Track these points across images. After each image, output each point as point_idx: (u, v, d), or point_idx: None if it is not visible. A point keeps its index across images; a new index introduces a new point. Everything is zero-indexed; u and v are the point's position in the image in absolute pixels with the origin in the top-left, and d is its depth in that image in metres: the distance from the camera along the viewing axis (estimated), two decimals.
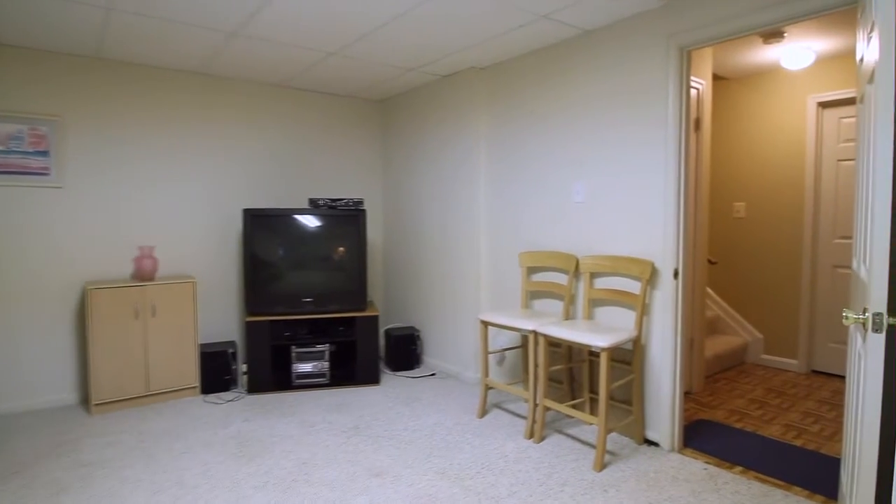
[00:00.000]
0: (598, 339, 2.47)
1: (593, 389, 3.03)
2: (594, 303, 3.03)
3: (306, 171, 4.39)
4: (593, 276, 3.02)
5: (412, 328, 4.31)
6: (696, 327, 3.62)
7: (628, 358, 2.87)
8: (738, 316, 4.45)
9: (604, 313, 2.99)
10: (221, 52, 3.35)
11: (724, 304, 4.53)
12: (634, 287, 2.82)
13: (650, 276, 2.71)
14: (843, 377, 3.93)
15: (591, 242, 3.05)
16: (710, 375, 4.01)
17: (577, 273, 3.12)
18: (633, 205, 2.83)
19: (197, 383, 3.62)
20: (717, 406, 3.39)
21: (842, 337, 3.92)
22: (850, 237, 3.86)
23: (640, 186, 2.80)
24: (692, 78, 3.26)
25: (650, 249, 2.76)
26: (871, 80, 1.55)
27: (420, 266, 4.33)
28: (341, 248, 3.82)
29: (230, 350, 3.70)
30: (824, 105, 3.93)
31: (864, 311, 1.48)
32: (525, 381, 3.38)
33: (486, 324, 3.13)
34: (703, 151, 3.58)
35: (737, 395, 3.61)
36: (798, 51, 3.65)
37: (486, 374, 3.20)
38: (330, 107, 4.49)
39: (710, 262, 3.81)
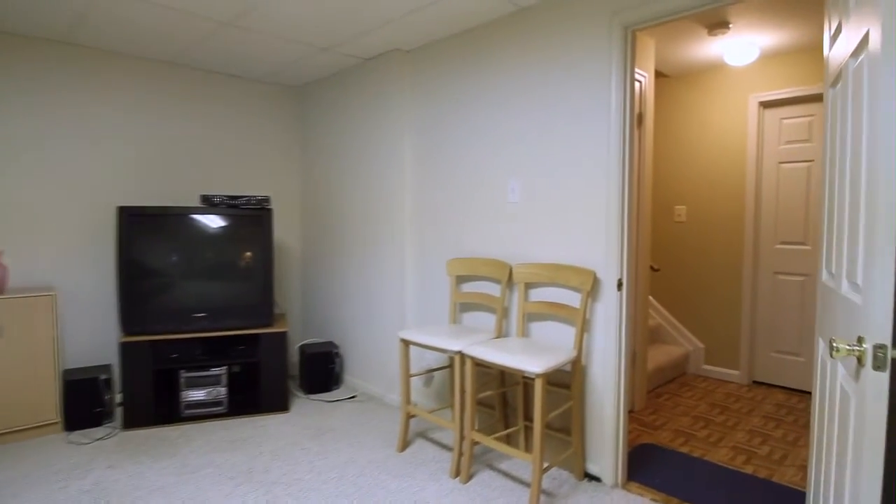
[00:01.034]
0: (532, 363, 2.09)
1: (529, 416, 2.66)
2: (530, 317, 2.66)
3: (207, 165, 3.80)
4: (529, 286, 2.66)
5: (331, 344, 3.81)
6: (639, 339, 3.34)
7: (567, 380, 2.52)
8: (679, 325, 4.25)
9: (541, 329, 2.62)
10: (87, 18, 2.74)
11: (665, 313, 4.32)
12: (574, 300, 2.47)
13: (591, 288, 2.37)
14: (784, 388, 3.79)
15: (527, 248, 2.68)
16: (653, 390, 3.76)
17: (510, 283, 2.75)
18: (574, 206, 2.49)
19: (58, 418, 2.97)
20: (661, 426, 3.11)
21: (783, 346, 3.78)
22: (792, 242, 3.72)
23: (580, 185, 2.46)
24: (635, 70, 2.98)
25: (592, 257, 2.42)
26: (858, 63, 1.24)
27: (341, 274, 3.84)
28: (244, 254, 3.27)
29: (103, 377, 3.06)
30: (766, 105, 3.78)
31: (860, 340, 1.16)
32: (453, 407, 2.97)
33: (406, 343, 2.69)
34: (646, 150, 3.31)
35: (680, 411, 3.35)
36: (742, 45, 3.46)
37: (408, 400, 2.76)
38: (237, 91, 3.92)
39: (652, 269, 3.56)
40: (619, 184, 2.32)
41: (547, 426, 2.58)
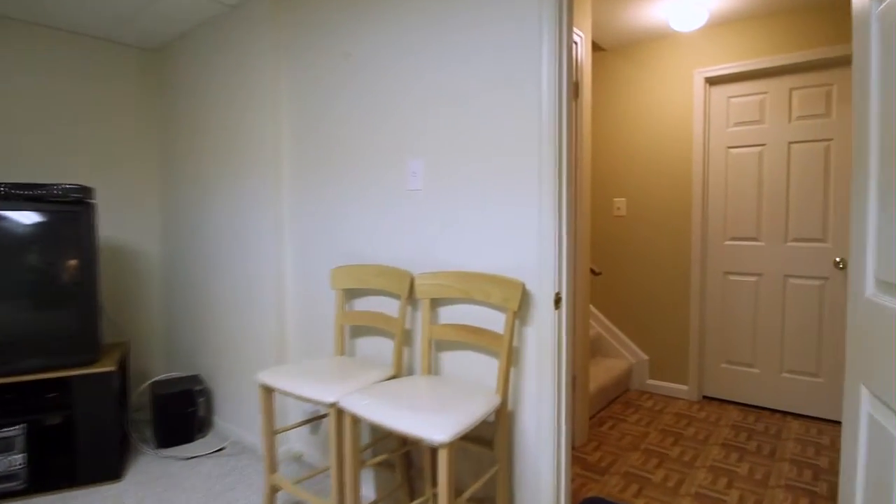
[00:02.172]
0: (435, 426, 1.39)
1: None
2: (440, 345, 1.97)
3: (23, 146, 2.82)
4: (437, 304, 1.96)
5: (194, 380, 2.95)
6: (580, 360, 2.73)
7: (489, 434, 1.84)
8: (620, 334, 3.72)
9: (456, 362, 1.93)
10: None
11: (605, 321, 3.78)
12: (497, 321, 1.80)
13: (520, 306, 1.70)
14: (737, 403, 3.33)
15: (435, 252, 1.99)
16: (595, 415, 3.18)
17: (412, 298, 2.04)
18: (496, 195, 1.81)
19: None
20: (608, 468, 2.52)
21: (735, 356, 3.32)
22: (743, 238, 3.27)
23: (504, 169, 1.79)
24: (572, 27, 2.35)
25: (521, 263, 1.76)
26: None
27: (208, 289, 2.98)
28: (56, 266, 2.35)
29: None
30: (712, 81, 3.31)
31: None
32: (333, 476, 2.22)
33: (267, 389, 1.92)
34: (584, 129, 2.71)
35: (628, 443, 2.79)
36: (689, 7, 2.95)
37: (273, 468, 1.98)
38: (64, 51, 2.96)
39: (593, 272, 2.97)
40: (555, 166, 1.67)
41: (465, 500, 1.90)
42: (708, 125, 3.34)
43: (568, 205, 1.72)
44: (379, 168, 2.15)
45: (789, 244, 3.12)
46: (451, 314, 1.93)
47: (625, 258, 3.67)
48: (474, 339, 1.79)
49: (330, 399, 1.67)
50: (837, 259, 2.95)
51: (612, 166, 3.70)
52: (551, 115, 1.66)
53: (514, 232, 1.76)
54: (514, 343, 1.76)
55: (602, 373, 3.41)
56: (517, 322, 1.76)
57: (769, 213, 3.17)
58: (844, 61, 2.88)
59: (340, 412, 1.70)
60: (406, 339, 2.06)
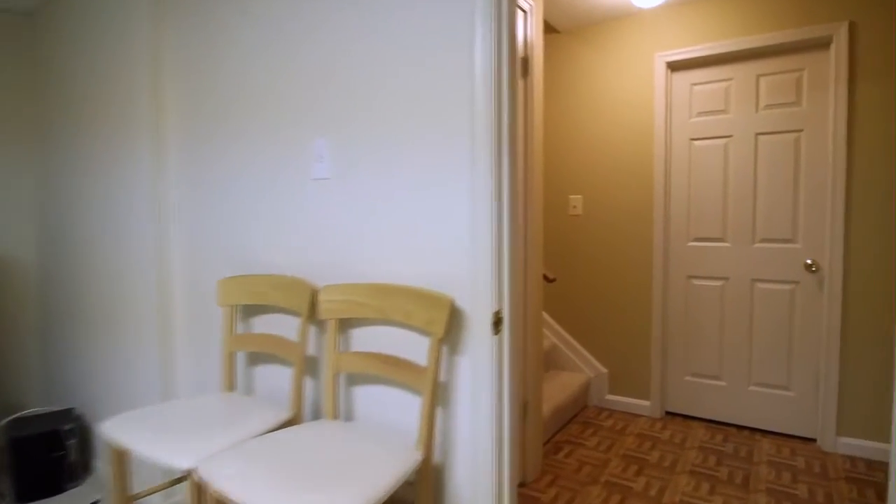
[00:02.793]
0: None
1: None
2: (352, 379, 1.54)
3: None
4: (346, 325, 1.53)
5: (68, 414, 2.41)
6: (532, 383, 2.36)
7: (410, 497, 1.43)
8: (577, 345, 3.38)
9: (371, 399, 1.51)
10: None
11: (561, 330, 3.44)
12: (419, 349, 1.39)
13: (447, 329, 1.30)
14: (702, 420, 3.04)
15: (347, 258, 1.56)
16: (549, 440, 2.82)
17: (315, 318, 1.60)
18: (421, 186, 1.40)
19: None
20: None
21: (701, 368, 3.03)
22: (708, 239, 2.98)
23: (431, 150, 1.38)
24: None
25: (450, 273, 1.35)
26: None
27: (86, 304, 2.44)
28: None
29: None
30: (674, 67, 3.01)
31: None
32: None
33: (118, 453, 1.44)
34: (534, 112, 2.34)
35: (587, 475, 2.43)
36: None
37: None
38: None
39: (546, 279, 2.61)
40: (492, 147, 1.27)
41: None
42: (670, 115, 3.05)
43: (511, 198, 1.33)
44: (278, 149, 1.71)
45: (757, 245, 2.85)
46: (365, 339, 1.50)
47: (581, 261, 3.33)
48: (392, 372, 1.37)
49: (185, 464, 1.21)
50: (809, 261, 2.69)
51: (567, 160, 3.36)
52: (486, 85, 1.27)
53: (444, 232, 1.35)
54: (442, 377, 1.36)
55: (557, 390, 3.05)
56: (445, 350, 1.35)
57: (735, 211, 2.89)
58: (816, 44, 2.63)
59: (200, 487, 1.24)
60: (310, 369, 1.62)
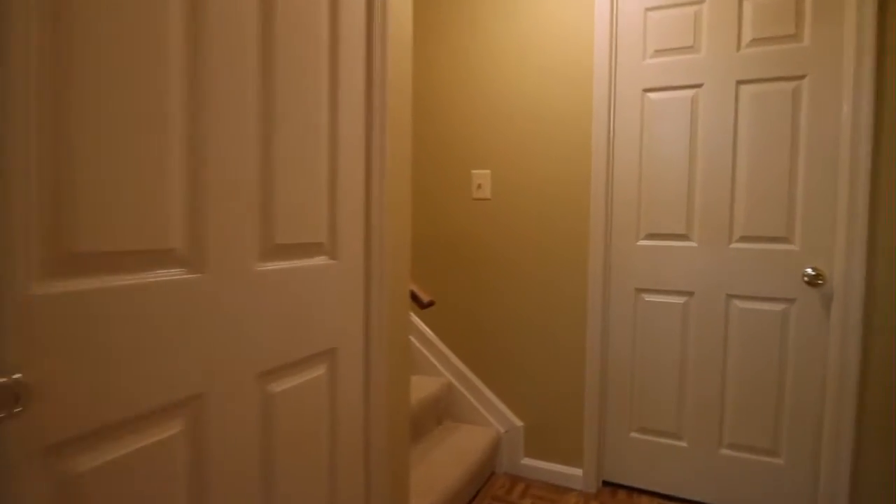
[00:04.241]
0: None
1: None
2: None
3: None
4: None
5: None
6: (381, 474, 1.28)
7: None
8: (482, 387, 2.37)
9: None
10: None
11: (460, 366, 2.40)
12: None
13: None
14: (653, 494, 2.13)
15: None
16: None
17: None
18: None
19: None
20: None
21: (652, 422, 2.11)
22: (665, 237, 2.06)
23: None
24: None
25: None
26: None
27: None
28: None
29: None
30: None
31: None
32: None
33: None
34: (386, 39, 1.26)
35: None
36: None
37: None
38: None
39: (420, 304, 1.55)
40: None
41: None
42: (615, 54, 2.09)
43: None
44: None
45: (736, 246, 1.96)
46: None
47: (490, 268, 2.32)
48: None
49: None
50: (810, 270, 1.83)
51: (468, 120, 2.33)
52: None
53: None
54: None
55: (450, 458, 2.01)
56: None
57: (706, 196, 1.99)
58: None
59: None
60: None
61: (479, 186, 2.30)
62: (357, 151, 1.15)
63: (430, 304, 1.59)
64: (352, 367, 1.15)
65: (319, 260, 1.05)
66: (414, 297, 1.50)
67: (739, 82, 1.92)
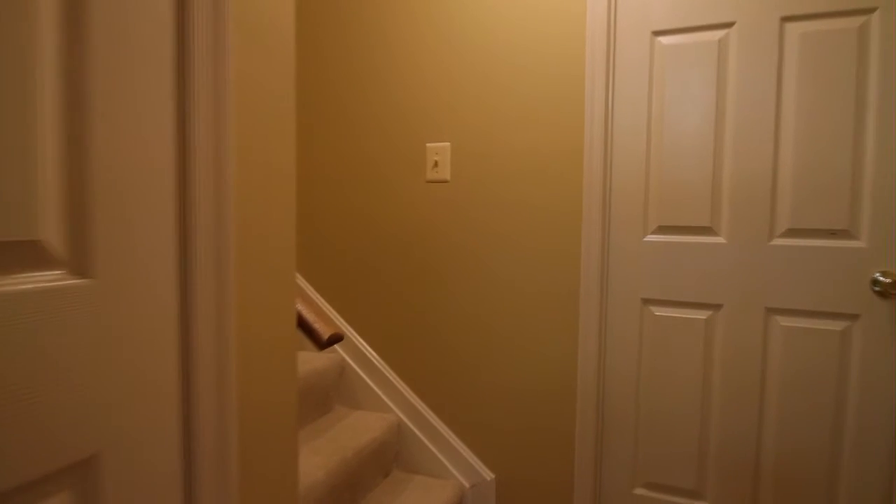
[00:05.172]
0: None
1: None
2: None
3: None
4: None
5: None
6: None
7: None
8: (443, 429, 1.82)
9: None
10: None
11: (416, 402, 1.86)
12: None
13: None
14: None
15: None
16: None
17: None
18: None
19: None
20: None
21: (664, 477, 1.60)
22: (682, 231, 1.54)
23: None
24: None
25: None
26: None
27: None
28: None
29: None
30: None
31: None
32: None
33: None
34: None
35: None
36: None
37: None
38: None
39: (320, 342, 0.99)
40: None
41: None
42: None
43: None
44: None
45: (779, 242, 1.45)
46: None
47: (450, 272, 1.77)
48: None
49: None
50: (879, 276, 1.33)
51: (422, 75, 1.77)
52: None
53: None
54: None
55: None
56: None
57: (738, 175, 1.47)
58: None
59: None
60: None
61: (436, 165, 1.75)
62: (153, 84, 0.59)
63: (335, 339, 1.01)
64: (143, 483, 0.59)
65: (42, 277, 0.49)
66: (307, 330, 0.95)
67: (784, 19, 1.41)
